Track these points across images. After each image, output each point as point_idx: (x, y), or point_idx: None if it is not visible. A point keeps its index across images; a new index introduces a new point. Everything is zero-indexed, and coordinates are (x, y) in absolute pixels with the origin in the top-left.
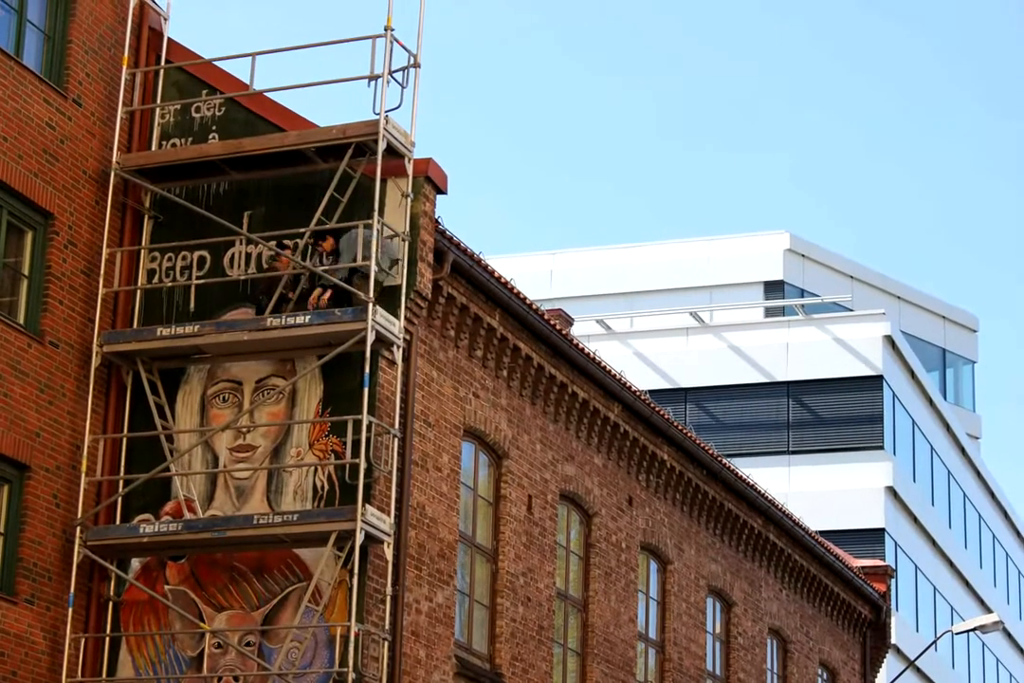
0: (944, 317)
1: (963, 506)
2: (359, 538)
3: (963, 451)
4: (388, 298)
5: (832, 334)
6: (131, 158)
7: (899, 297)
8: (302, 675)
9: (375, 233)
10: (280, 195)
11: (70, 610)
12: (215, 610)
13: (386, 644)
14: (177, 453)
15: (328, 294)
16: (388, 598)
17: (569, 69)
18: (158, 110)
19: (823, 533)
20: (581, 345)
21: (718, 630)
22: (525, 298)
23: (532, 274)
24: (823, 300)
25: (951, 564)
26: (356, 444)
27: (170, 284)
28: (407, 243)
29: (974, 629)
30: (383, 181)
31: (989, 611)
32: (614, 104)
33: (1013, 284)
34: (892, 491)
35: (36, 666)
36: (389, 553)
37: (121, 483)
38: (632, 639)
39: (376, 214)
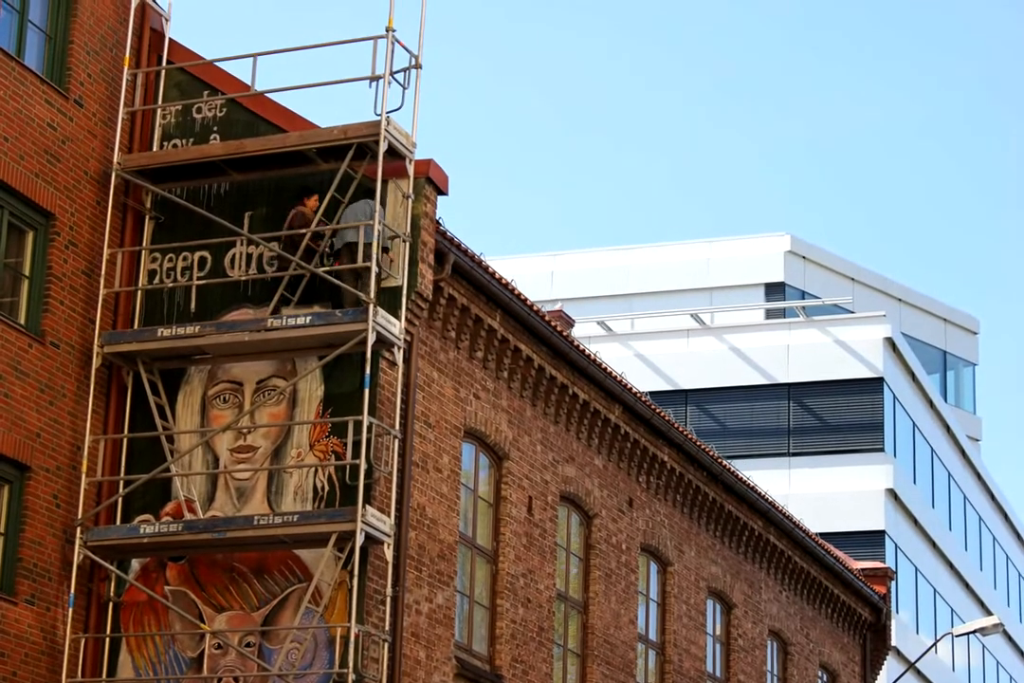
0: (945, 319)
1: (963, 508)
2: (359, 539)
3: (963, 453)
4: (389, 299)
5: (833, 336)
6: (132, 159)
7: (900, 299)
8: (302, 676)
9: (376, 234)
10: (281, 196)
11: (70, 610)
12: (215, 611)
13: (386, 645)
14: (177, 454)
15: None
16: (388, 599)
17: (571, 70)
18: (159, 111)
19: (823, 535)
20: (582, 347)
21: (718, 632)
22: (526, 299)
23: (533, 275)
24: (824, 302)
25: (951, 566)
26: (356, 445)
27: (171, 285)
28: (408, 244)
29: (974, 631)
30: (384, 182)
31: (989, 613)
32: (616, 105)
33: (1014, 286)
34: (892, 493)
35: (36, 666)
36: (389, 554)
37: (121, 484)
38: (632, 641)
39: (377, 215)
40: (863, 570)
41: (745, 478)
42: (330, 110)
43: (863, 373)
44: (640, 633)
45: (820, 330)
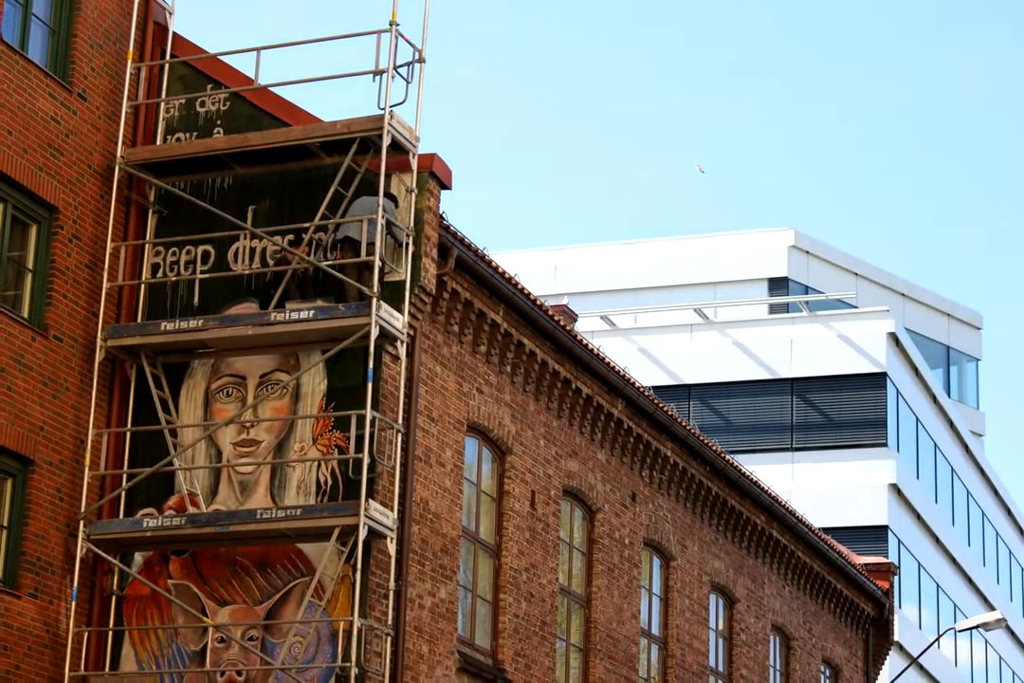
0: (948, 314)
1: (966, 503)
2: (362, 533)
3: (966, 448)
4: (392, 293)
5: (836, 331)
6: (136, 152)
7: (903, 294)
8: (305, 670)
9: (379, 229)
10: (284, 190)
11: (73, 604)
12: (218, 604)
13: (389, 639)
14: (180, 447)
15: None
16: (391, 593)
17: (573, 65)
18: (163, 104)
19: (826, 530)
20: (585, 341)
21: (721, 626)
22: (529, 294)
23: (536, 270)
24: (827, 297)
25: (954, 561)
26: (360, 439)
27: (174, 278)
28: (411, 238)
29: (977, 626)
30: (388, 176)
31: (992, 608)
32: (619, 100)
33: (1018, 281)
34: (895, 488)
35: (39, 660)
36: (392, 548)
37: (124, 477)
38: (635, 635)
39: (380, 209)
40: (866, 565)
41: (748, 473)
42: (334, 104)
43: (866, 368)
44: (643, 628)
45: (823, 325)
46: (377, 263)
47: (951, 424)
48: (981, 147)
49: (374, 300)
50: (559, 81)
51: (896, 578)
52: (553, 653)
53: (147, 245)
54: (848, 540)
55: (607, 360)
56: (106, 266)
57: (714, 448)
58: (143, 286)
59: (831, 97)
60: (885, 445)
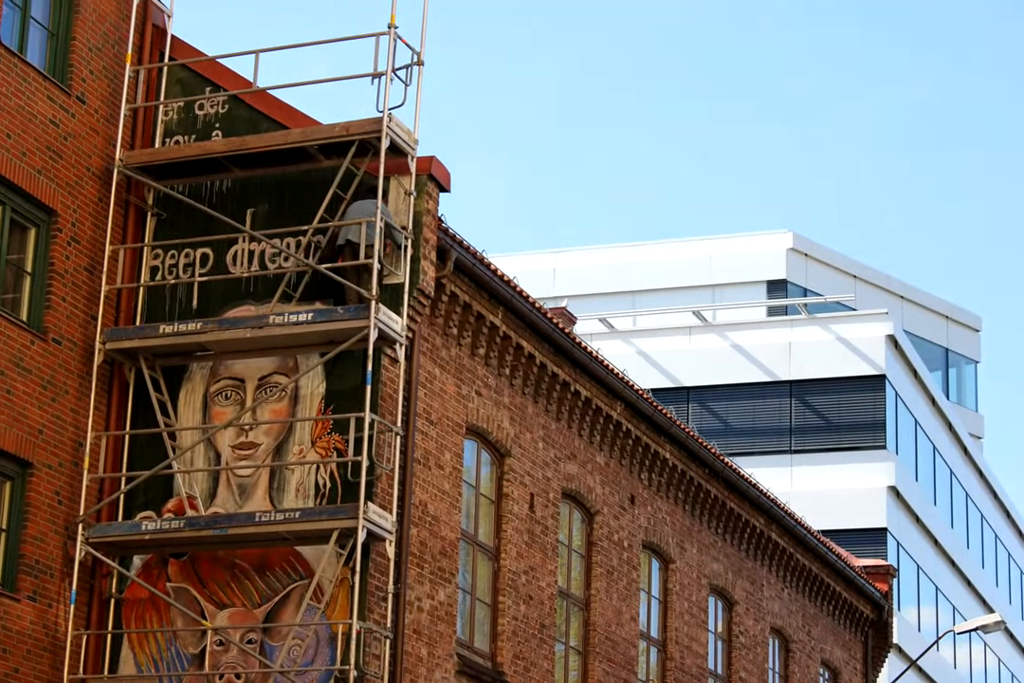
0: (947, 317)
1: (965, 506)
2: (361, 536)
3: (965, 451)
4: (391, 296)
5: (835, 333)
6: (134, 155)
7: (902, 296)
8: (304, 673)
9: (377, 231)
10: (283, 192)
11: (72, 607)
12: (217, 607)
13: (388, 642)
14: (179, 450)
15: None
16: (390, 596)
17: (573, 67)
18: (162, 107)
19: (825, 532)
20: (584, 344)
21: (720, 629)
22: (528, 296)
23: (535, 272)
24: (826, 299)
25: (953, 564)
26: (358, 442)
27: (173, 281)
28: (410, 241)
29: (976, 629)
30: (386, 179)
31: (991, 611)
32: (618, 102)
33: (1016, 284)
34: (894, 491)
35: (38, 663)
36: (391, 551)
37: (123, 480)
38: (634, 638)
39: (379, 212)
40: (865, 567)
41: (747, 475)
42: (332, 107)
43: (865, 370)
44: (642, 630)
45: (822, 327)
46: (376, 266)
47: (950, 426)
48: (979, 149)
49: (373, 303)
50: (558, 83)
51: (895, 580)
52: (552, 656)
53: (146, 248)
54: (847, 543)
55: (606, 363)
56: (105, 269)
57: (713, 451)
58: (142, 289)
59: (829, 99)
60: (884, 448)
